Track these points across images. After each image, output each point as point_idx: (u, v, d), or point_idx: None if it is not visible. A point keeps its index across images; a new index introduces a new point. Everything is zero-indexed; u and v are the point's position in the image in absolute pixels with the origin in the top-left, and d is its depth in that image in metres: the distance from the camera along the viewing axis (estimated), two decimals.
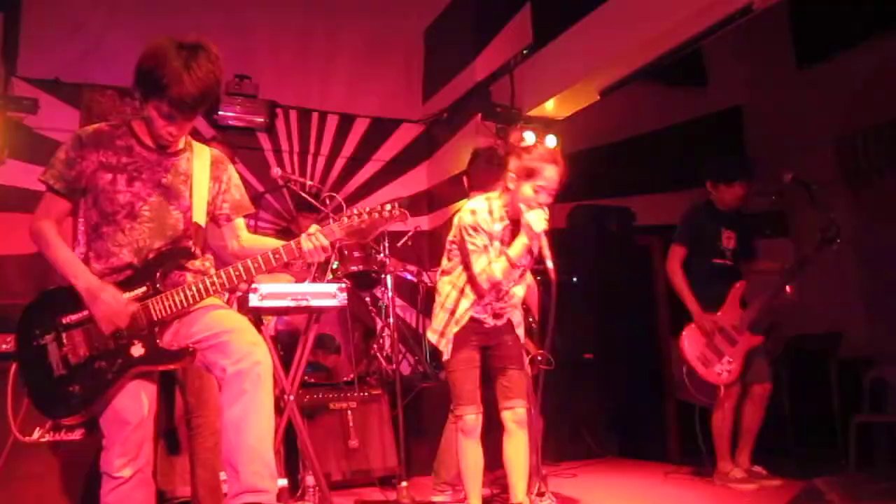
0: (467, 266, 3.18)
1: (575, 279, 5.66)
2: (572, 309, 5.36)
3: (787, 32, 6.90)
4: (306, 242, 2.52)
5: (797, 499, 2.89)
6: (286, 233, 5.80)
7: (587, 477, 4.82)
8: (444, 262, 3.34)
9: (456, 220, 3.28)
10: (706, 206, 4.60)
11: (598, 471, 5.07)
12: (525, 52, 5.76)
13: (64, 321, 2.42)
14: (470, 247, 3.14)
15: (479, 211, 3.19)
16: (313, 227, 2.55)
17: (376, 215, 2.56)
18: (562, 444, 5.28)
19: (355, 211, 2.58)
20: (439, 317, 3.27)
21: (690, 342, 4.34)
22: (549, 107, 5.75)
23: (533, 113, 5.83)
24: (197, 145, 2.70)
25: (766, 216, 5.17)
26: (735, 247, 4.51)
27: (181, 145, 2.63)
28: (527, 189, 3.08)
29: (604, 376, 5.69)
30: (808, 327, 6.31)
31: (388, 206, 2.58)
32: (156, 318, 2.43)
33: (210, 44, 2.42)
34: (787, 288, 4.36)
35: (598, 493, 4.27)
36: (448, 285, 3.27)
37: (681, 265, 4.46)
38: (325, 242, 2.52)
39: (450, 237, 3.32)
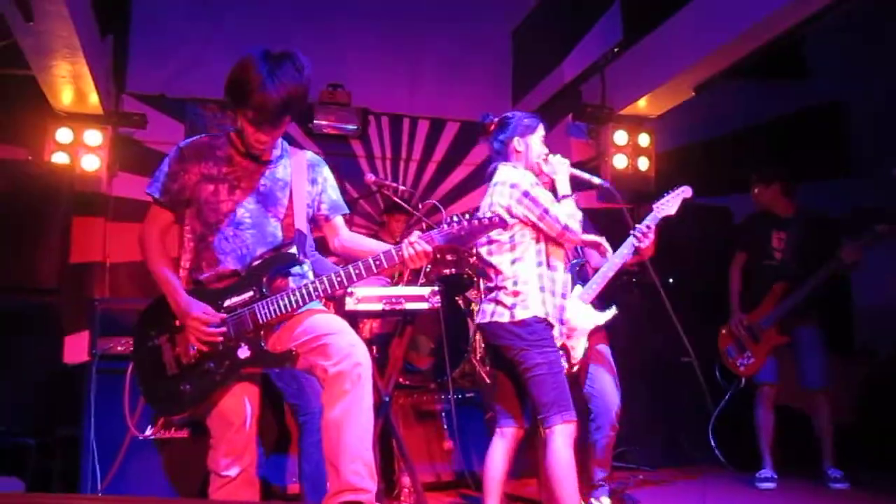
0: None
1: (671, 280, 5.52)
2: (668, 311, 5.24)
3: None
4: (407, 249, 2.48)
5: None
6: (377, 238, 5.89)
7: (682, 485, 4.72)
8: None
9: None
10: (758, 213, 4.96)
11: (695, 478, 4.94)
12: (615, 49, 5.66)
13: (177, 323, 2.53)
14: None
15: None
16: (415, 235, 2.51)
17: (476, 223, 2.50)
18: (657, 449, 5.17)
19: (455, 218, 2.53)
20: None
21: (722, 337, 4.87)
22: (642, 105, 5.65)
23: (625, 112, 5.74)
24: (294, 151, 2.75)
25: (867, 212, 4.97)
26: (785, 247, 4.68)
27: (279, 152, 2.69)
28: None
29: (701, 381, 5.53)
30: None
31: (489, 214, 2.53)
32: (262, 322, 2.50)
33: (298, 53, 2.46)
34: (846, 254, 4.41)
35: (692, 499, 4.20)
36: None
37: (739, 269, 4.88)
38: (428, 248, 2.48)
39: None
